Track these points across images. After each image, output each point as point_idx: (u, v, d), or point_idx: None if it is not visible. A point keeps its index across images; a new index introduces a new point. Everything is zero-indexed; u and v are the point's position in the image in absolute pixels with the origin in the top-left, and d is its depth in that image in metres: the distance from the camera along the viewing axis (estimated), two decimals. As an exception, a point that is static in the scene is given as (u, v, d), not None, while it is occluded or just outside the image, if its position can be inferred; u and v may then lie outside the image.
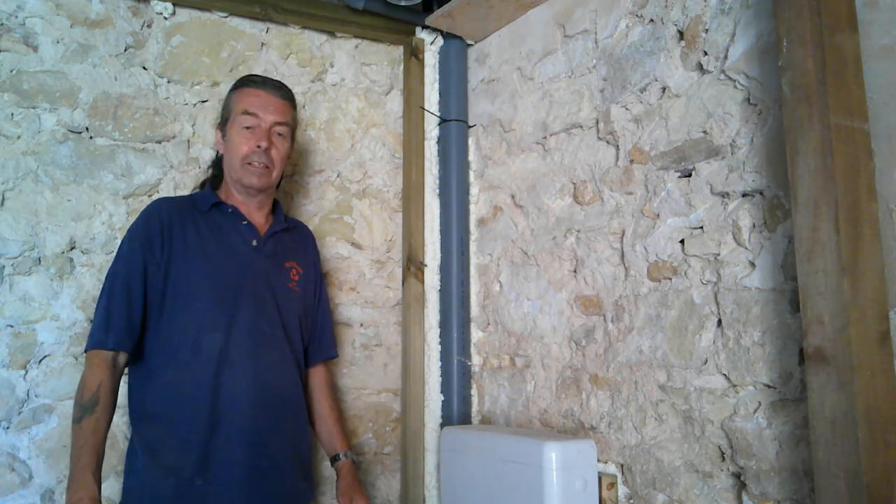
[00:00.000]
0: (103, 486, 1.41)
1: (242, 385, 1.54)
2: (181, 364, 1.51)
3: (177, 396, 1.49)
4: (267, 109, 1.62)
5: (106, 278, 1.54)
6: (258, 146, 1.60)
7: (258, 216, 1.70)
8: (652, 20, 1.64)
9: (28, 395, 1.71)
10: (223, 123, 1.67)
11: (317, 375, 1.82)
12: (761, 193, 1.37)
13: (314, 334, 1.81)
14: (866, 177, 1.16)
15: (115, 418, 1.49)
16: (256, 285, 1.62)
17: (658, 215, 1.58)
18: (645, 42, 1.65)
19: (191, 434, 1.48)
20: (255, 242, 1.66)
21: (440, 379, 2.16)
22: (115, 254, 1.58)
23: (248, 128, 1.61)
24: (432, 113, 2.30)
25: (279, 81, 1.72)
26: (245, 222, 1.66)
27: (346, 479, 1.71)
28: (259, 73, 1.84)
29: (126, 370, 1.55)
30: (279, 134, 1.64)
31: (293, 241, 1.78)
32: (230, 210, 1.66)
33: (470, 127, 2.27)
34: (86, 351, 1.49)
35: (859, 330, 1.10)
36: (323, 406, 1.79)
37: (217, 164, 1.76)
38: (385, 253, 2.25)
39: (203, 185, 1.76)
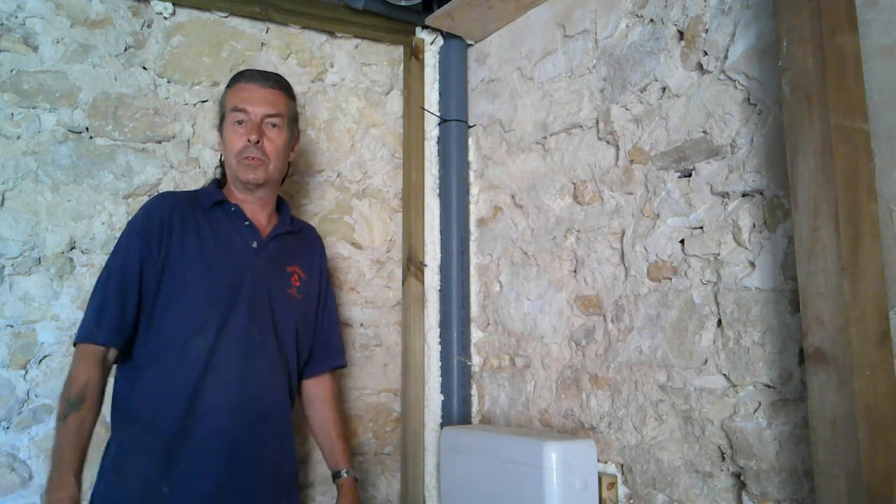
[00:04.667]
0: (85, 486, 1.38)
1: (224, 392, 1.48)
2: (166, 366, 1.46)
3: (157, 399, 1.44)
4: (255, 102, 1.58)
5: (102, 271, 1.50)
6: (249, 140, 1.56)
7: (261, 215, 1.65)
8: (652, 20, 1.64)
9: (28, 395, 1.71)
10: (220, 123, 1.65)
11: (321, 385, 1.74)
12: (761, 193, 1.37)
13: (319, 342, 1.74)
14: (866, 177, 1.15)
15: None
16: (253, 290, 1.56)
17: (658, 215, 1.58)
18: (645, 42, 1.65)
19: (161, 438, 1.42)
20: (255, 244, 1.60)
21: (440, 379, 2.16)
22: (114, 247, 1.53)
23: (239, 122, 1.58)
24: (432, 113, 2.30)
25: (270, 73, 1.67)
26: (247, 223, 1.61)
27: (346, 497, 1.66)
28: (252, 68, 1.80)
29: (114, 367, 1.50)
30: (272, 125, 1.59)
31: (298, 245, 1.72)
32: (233, 209, 1.61)
33: (470, 127, 2.27)
34: (75, 343, 1.44)
35: (859, 330, 1.09)
36: (326, 417, 1.72)
37: (223, 164, 1.73)
38: (385, 253, 2.25)
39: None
